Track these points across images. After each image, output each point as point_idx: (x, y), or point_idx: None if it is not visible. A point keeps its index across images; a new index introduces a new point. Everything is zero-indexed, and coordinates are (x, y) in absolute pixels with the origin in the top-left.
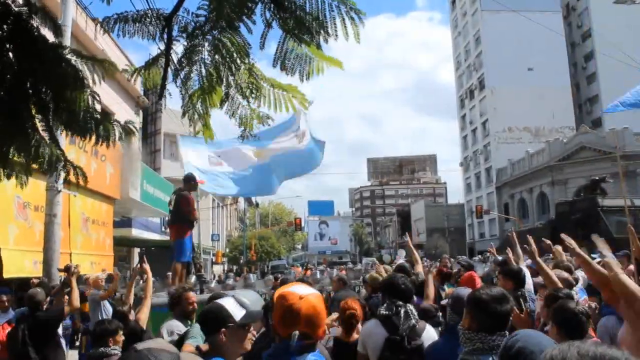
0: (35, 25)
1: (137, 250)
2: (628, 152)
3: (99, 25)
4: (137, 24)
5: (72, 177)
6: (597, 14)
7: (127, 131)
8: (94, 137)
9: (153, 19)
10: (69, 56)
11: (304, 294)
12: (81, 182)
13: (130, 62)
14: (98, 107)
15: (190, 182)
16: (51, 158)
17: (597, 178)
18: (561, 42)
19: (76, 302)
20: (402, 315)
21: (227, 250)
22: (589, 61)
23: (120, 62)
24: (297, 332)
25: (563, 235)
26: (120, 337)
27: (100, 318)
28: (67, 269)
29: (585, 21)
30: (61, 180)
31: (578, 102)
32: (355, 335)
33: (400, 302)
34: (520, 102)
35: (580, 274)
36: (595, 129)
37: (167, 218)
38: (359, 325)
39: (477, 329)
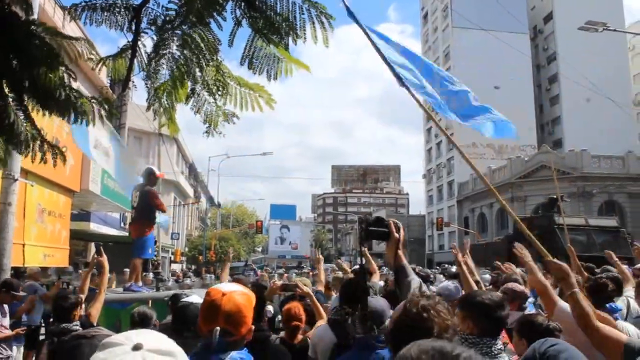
0: (6, 0)
1: (94, 245)
2: (585, 173)
3: (66, 12)
4: (106, 13)
5: (48, 157)
6: (563, 39)
7: (105, 108)
8: (72, 115)
9: (122, 9)
10: (42, 34)
11: (227, 291)
12: (59, 162)
13: (98, 54)
14: (74, 85)
15: (150, 175)
16: (27, 137)
17: (555, 197)
18: (527, 63)
19: None
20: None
21: (187, 249)
22: (552, 83)
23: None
24: (217, 328)
25: (518, 245)
26: (79, 312)
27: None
28: None
29: (551, 44)
30: (19, 169)
31: (540, 122)
32: (299, 337)
33: (350, 309)
34: None
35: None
36: (556, 150)
37: (126, 214)
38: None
39: (479, 334)
